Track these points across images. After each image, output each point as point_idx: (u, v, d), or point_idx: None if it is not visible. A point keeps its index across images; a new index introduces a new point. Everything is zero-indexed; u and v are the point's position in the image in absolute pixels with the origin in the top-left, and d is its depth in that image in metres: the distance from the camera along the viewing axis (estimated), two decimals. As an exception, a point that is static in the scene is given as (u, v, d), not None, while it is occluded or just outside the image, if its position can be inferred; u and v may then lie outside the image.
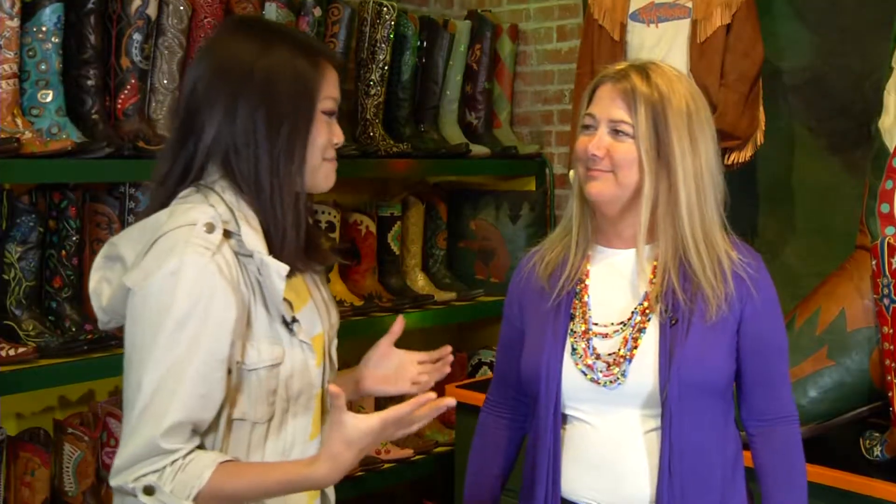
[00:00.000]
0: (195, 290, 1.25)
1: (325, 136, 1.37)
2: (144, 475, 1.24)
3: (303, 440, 1.36)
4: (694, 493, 1.53)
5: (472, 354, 3.14)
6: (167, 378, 1.24)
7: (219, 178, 1.35)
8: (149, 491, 1.24)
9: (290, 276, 1.34)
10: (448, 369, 1.60)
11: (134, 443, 1.25)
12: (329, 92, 1.37)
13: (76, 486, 2.13)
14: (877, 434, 2.09)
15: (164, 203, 1.35)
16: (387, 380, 1.59)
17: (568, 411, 1.60)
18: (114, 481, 1.26)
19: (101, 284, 1.33)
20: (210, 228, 1.28)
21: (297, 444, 1.35)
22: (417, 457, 2.78)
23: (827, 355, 2.13)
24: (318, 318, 1.46)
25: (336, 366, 1.51)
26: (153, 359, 1.24)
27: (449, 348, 1.62)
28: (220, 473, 1.25)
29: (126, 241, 1.33)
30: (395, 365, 1.60)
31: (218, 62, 1.34)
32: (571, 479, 1.58)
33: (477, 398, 1.84)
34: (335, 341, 1.50)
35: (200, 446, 1.29)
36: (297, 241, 1.36)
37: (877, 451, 2.06)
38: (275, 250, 1.33)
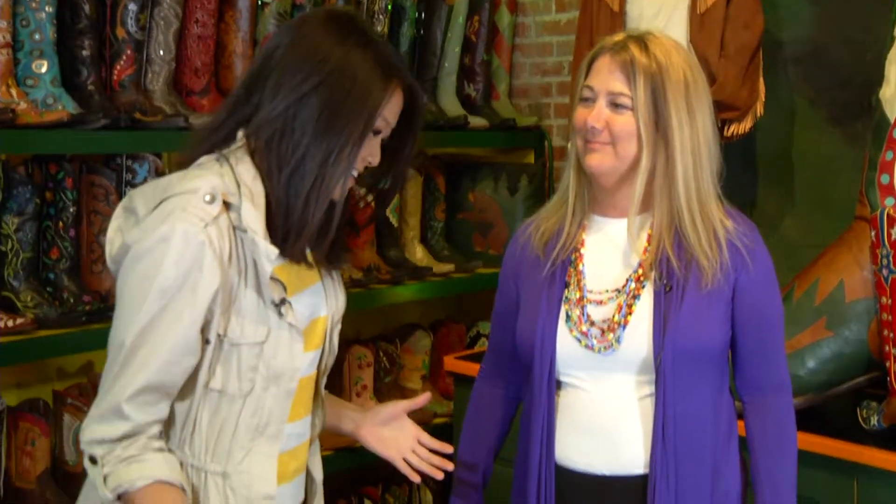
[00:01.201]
0: (182, 261, 1.26)
1: (367, 151, 1.37)
2: (98, 441, 1.26)
3: (279, 419, 1.36)
4: (687, 460, 1.54)
5: (470, 326, 3.15)
6: (145, 343, 1.26)
7: (240, 149, 1.35)
8: (93, 461, 1.27)
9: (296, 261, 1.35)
10: (440, 475, 1.60)
11: (104, 401, 1.27)
12: (388, 114, 1.37)
13: (76, 455, 2.14)
14: (874, 403, 2.10)
15: (197, 156, 1.37)
16: (384, 442, 1.60)
17: (562, 378, 1.60)
18: (80, 439, 1.29)
19: (116, 233, 1.34)
20: (211, 198, 1.28)
21: (273, 423, 1.36)
22: (416, 428, 2.79)
23: (825, 326, 2.14)
24: (322, 301, 1.46)
25: (336, 351, 1.50)
26: (135, 322, 1.26)
27: (450, 450, 1.62)
28: (149, 490, 1.25)
29: (141, 196, 1.34)
30: (398, 431, 1.60)
31: (301, 39, 1.34)
32: (566, 446, 1.59)
33: (475, 369, 1.85)
34: (338, 327, 1.50)
35: (172, 419, 1.30)
36: (318, 240, 1.37)
37: (874, 420, 2.07)
38: (289, 239, 1.33)
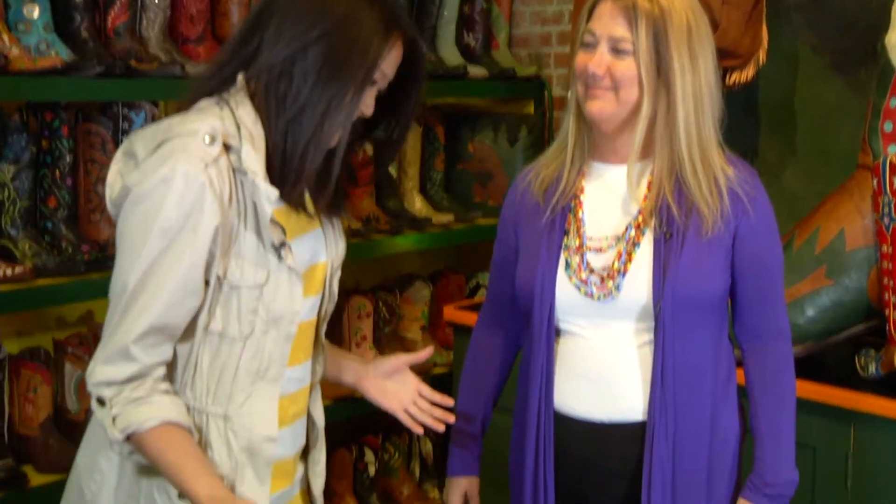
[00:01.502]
0: (184, 201, 1.26)
1: (363, 102, 1.37)
2: (106, 383, 1.27)
3: (279, 363, 1.37)
4: (686, 407, 1.55)
5: (469, 276, 3.16)
6: (148, 284, 1.26)
7: (240, 93, 1.34)
8: (101, 402, 1.28)
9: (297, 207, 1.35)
10: (442, 428, 1.61)
11: (109, 343, 1.27)
12: (386, 67, 1.36)
13: (78, 403, 2.16)
14: (872, 351, 2.10)
15: (196, 99, 1.36)
16: (386, 395, 1.60)
17: (561, 326, 1.61)
18: (87, 382, 1.30)
19: (115, 177, 1.33)
20: (211, 140, 1.28)
21: (273, 366, 1.36)
22: (415, 378, 2.81)
23: (825, 275, 2.14)
24: (322, 247, 1.46)
25: (336, 297, 1.50)
26: (138, 264, 1.26)
27: (451, 402, 1.62)
28: (158, 432, 1.26)
29: (140, 140, 1.33)
30: (400, 384, 1.60)
31: None
32: (564, 393, 1.59)
33: (474, 319, 1.85)
34: (338, 273, 1.50)
35: (173, 362, 1.31)
36: (318, 189, 1.37)
37: (871, 368, 2.08)
38: (286, 185, 1.33)
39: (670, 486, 1.54)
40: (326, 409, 1.56)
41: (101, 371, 1.27)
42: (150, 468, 1.31)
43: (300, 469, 1.49)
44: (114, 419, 1.26)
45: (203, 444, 1.32)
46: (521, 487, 1.63)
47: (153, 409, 1.27)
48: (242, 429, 1.33)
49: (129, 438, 1.27)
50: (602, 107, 1.53)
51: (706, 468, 1.58)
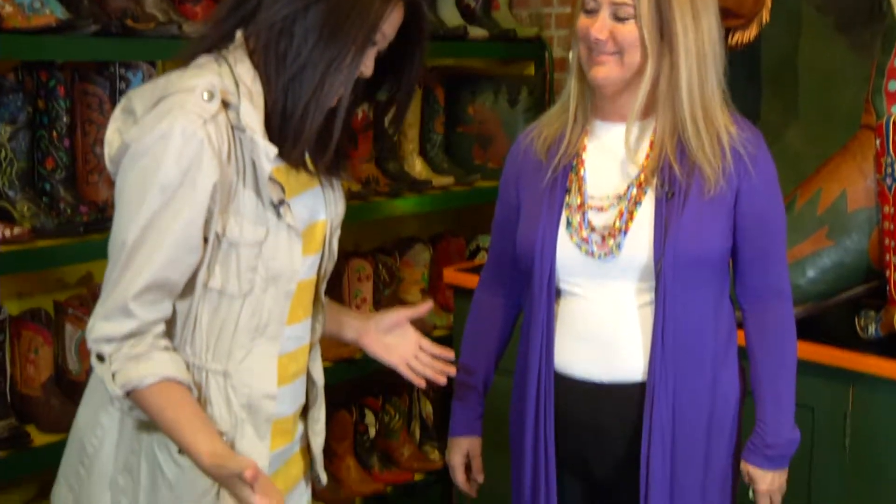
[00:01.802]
0: (182, 158, 1.25)
1: (363, 63, 1.35)
2: (106, 339, 1.27)
3: (278, 321, 1.37)
4: (686, 368, 1.55)
5: (469, 239, 3.15)
6: (147, 240, 1.26)
7: (239, 50, 1.33)
8: (100, 358, 1.28)
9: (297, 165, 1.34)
10: (443, 380, 1.60)
11: (109, 300, 1.27)
12: (387, 28, 1.35)
13: (79, 364, 2.17)
14: (872, 312, 2.11)
15: (194, 56, 1.35)
16: (387, 349, 1.60)
17: (562, 285, 1.60)
18: (87, 337, 1.30)
19: (114, 134, 1.33)
20: (209, 96, 1.27)
21: (272, 324, 1.36)
22: (415, 340, 2.81)
23: (826, 235, 2.13)
24: (321, 205, 1.45)
25: (336, 256, 1.50)
26: (136, 220, 1.26)
27: (452, 355, 1.61)
28: (158, 388, 1.27)
29: (139, 96, 1.32)
30: (401, 339, 1.60)
31: None
32: (565, 353, 1.59)
33: (474, 281, 1.85)
34: (338, 232, 1.49)
35: (173, 319, 1.31)
36: (319, 150, 1.36)
37: (871, 329, 2.09)
38: (286, 144, 1.32)
39: (670, 447, 1.55)
40: (327, 371, 1.56)
41: (101, 327, 1.27)
42: (151, 424, 1.32)
43: (300, 427, 1.50)
44: (113, 375, 1.27)
45: (203, 401, 1.33)
46: (521, 448, 1.64)
47: (152, 366, 1.27)
48: (242, 385, 1.34)
49: (128, 395, 1.27)
50: (607, 73, 1.52)
51: (706, 429, 1.58)
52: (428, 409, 3.07)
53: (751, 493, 1.64)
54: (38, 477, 2.24)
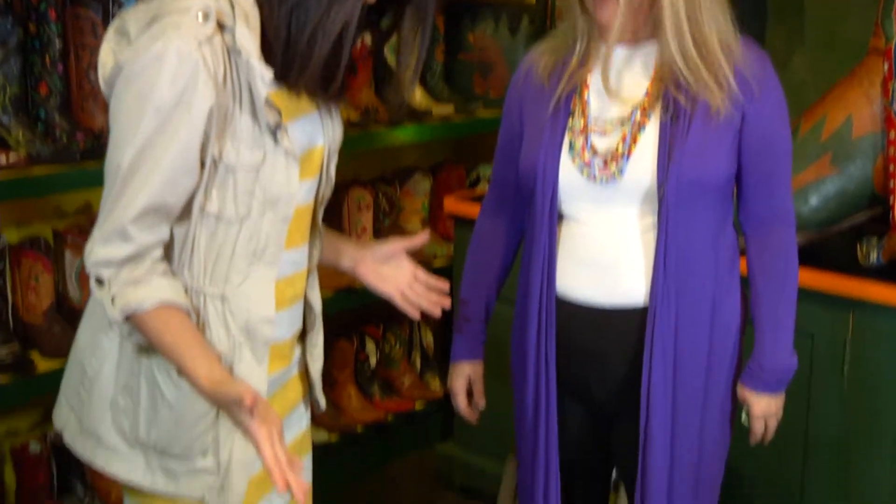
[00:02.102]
0: (177, 79, 1.23)
1: None
2: (104, 263, 1.26)
3: (276, 245, 1.36)
4: (688, 293, 1.55)
5: (470, 169, 3.13)
6: (143, 163, 1.24)
7: None
8: (99, 282, 1.28)
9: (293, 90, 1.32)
10: (437, 312, 1.57)
11: (106, 223, 1.26)
12: None
13: (80, 291, 2.17)
14: (874, 238, 2.10)
15: None
16: (382, 279, 1.57)
17: (564, 210, 1.59)
18: (85, 261, 1.29)
19: (107, 55, 1.30)
20: (205, 17, 1.25)
21: (270, 248, 1.35)
22: (415, 270, 2.82)
23: (830, 162, 2.11)
24: (319, 130, 1.43)
25: (333, 182, 1.49)
26: (132, 143, 1.24)
27: (447, 287, 1.59)
28: (157, 313, 1.26)
29: (133, 17, 1.29)
30: (397, 269, 1.57)
31: None
32: (566, 277, 1.59)
33: (475, 211, 1.84)
34: (335, 157, 1.48)
35: (171, 243, 1.30)
36: (325, 81, 1.32)
37: (873, 255, 2.09)
38: (291, 73, 1.30)
39: (671, 371, 1.55)
40: (327, 301, 1.56)
41: (99, 251, 1.27)
42: (151, 347, 1.32)
43: (297, 351, 1.50)
44: (112, 299, 1.26)
45: (201, 325, 1.33)
46: (522, 373, 1.64)
47: (151, 290, 1.27)
48: (240, 309, 1.34)
49: (127, 319, 1.27)
50: (611, 14, 1.48)
51: (707, 354, 1.59)
52: (428, 338, 3.09)
53: (743, 417, 1.65)
54: (42, 402, 2.27)
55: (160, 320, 1.27)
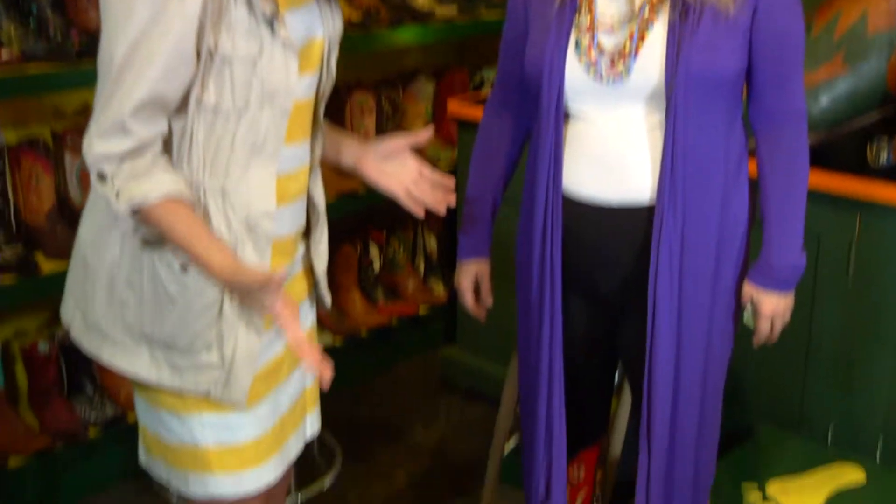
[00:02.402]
0: None
1: None
2: (105, 157, 1.25)
3: (276, 139, 1.34)
4: (695, 190, 1.53)
5: (474, 72, 3.08)
6: (138, 55, 1.22)
7: None
8: (101, 177, 1.26)
9: None
10: (443, 210, 1.54)
11: (104, 117, 1.24)
12: None
13: (81, 193, 2.17)
14: (885, 138, 2.07)
15: None
16: (386, 176, 1.54)
17: (570, 109, 1.57)
18: (85, 156, 1.27)
19: None
20: None
21: (270, 141, 1.34)
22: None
23: (843, 60, 2.07)
24: (318, 23, 1.40)
25: (334, 76, 1.45)
26: (126, 33, 1.21)
27: (452, 183, 1.55)
28: (164, 205, 1.25)
29: None
30: (400, 166, 1.54)
31: None
32: (573, 175, 1.57)
33: (479, 114, 1.80)
34: (335, 51, 1.44)
35: (169, 138, 1.29)
36: None
37: (883, 156, 2.06)
38: None
39: (678, 270, 1.55)
40: (330, 206, 1.54)
41: (98, 146, 1.25)
42: (153, 241, 1.31)
43: (301, 248, 1.50)
44: (117, 194, 1.25)
45: (202, 218, 1.31)
46: (528, 272, 1.64)
47: (155, 183, 1.25)
48: (240, 203, 1.32)
49: (134, 213, 1.26)
50: None
51: (714, 253, 1.58)
52: (432, 243, 3.08)
53: (746, 316, 1.64)
54: (48, 303, 2.28)
55: (168, 212, 1.26)
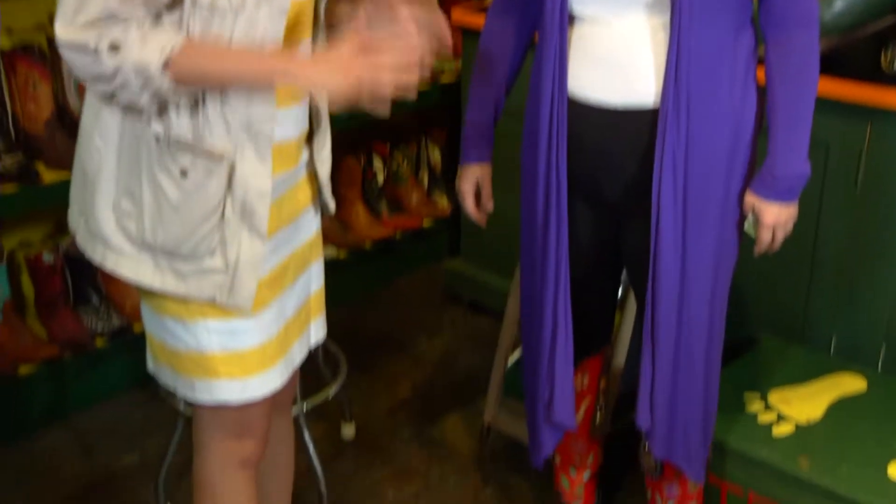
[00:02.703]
0: None
1: None
2: (106, 29, 1.19)
3: (274, 39, 1.30)
4: (700, 96, 1.50)
5: (479, -20, 3.00)
6: None
7: None
8: (114, 48, 1.20)
9: None
10: (448, 45, 1.43)
11: (90, 6, 1.18)
12: None
13: (79, 100, 2.13)
14: (900, 44, 2.02)
15: None
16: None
17: (575, 10, 1.53)
18: (63, 35, 1.19)
19: None
20: None
21: (268, 41, 1.30)
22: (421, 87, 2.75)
23: (859, -38, 2.00)
24: None
25: None
26: None
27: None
28: (192, 47, 1.22)
29: None
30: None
31: None
32: (577, 78, 1.55)
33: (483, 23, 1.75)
34: None
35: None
36: None
37: (897, 61, 2.01)
38: None
39: (682, 174, 1.53)
40: (334, 118, 1.51)
41: (90, 30, 1.18)
42: (147, 145, 1.29)
43: (304, 153, 1.48)
44: (140, 56, 1.20)
45: (201, 122, 1.29)
46: (533, 175, 1.62)
47: (171, 34, 1.22)
48: (239, 105, 1.30)
49: (167, 65, 1.21)
50: None
51: (718, 157, 1.56)
52: (436, 156, 3.06)
53: (747, 225, 1.62)
54: (52, 213, 2.28)
55: (199, 52, 1.23)
